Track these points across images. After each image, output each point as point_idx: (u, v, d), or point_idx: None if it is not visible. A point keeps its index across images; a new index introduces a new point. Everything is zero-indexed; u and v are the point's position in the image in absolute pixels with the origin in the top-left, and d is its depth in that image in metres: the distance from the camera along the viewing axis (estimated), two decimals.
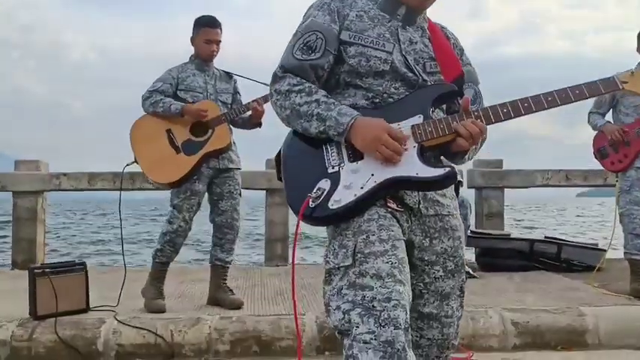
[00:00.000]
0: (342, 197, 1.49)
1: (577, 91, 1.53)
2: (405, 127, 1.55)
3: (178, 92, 3.73)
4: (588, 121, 4.31)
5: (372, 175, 1.50)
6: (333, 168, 1.54)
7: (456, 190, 4.76)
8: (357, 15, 1.64)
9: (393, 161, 1.49)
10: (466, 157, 1.67)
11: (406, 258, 1.49)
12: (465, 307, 3.85)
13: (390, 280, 1.39)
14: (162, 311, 3.53)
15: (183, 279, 4.67)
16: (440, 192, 1.65)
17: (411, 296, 1.45)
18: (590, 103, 4.27)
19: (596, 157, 4.29)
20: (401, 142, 1.50)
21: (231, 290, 3.79)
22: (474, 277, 4.80)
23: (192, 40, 3.79)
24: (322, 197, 1.49)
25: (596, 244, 5.22)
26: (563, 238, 5.47)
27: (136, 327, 3.28)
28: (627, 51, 4.14)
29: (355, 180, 1.50)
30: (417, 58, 1.65)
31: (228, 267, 3.86)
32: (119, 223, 3.93)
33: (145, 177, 3.77)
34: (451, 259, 1.65)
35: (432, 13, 1.73)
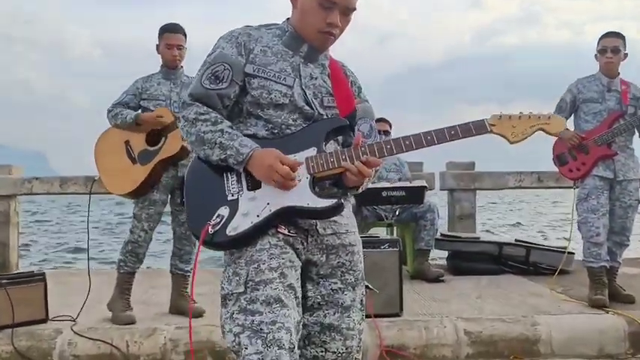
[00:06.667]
0: (239, 225, 1.62)
1: (452, 132, 1.67)
2: (300, 158, 1.68)
3: (141, 102, 3.75)
4: None
5: (268, 203, 1.64)
6: (232, 195, 1.67)
7: (422, 196, 4.79)
8: (261, 50, 1.75)
9: (286, 188, 1.62)
10: (359, 189, 1.80)
11: (295, 282, 1.64)
12: (421, 315, 3.86)
13: (278, 305, 1.55)
14: (133, 322, 3.55)
15: (150, 284, 4.69)
16: None
17: (298, 319, 1.60)
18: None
19: (555, 164, 4.26)
20: (293, 169, 1.62)
21: (193, 300, 3.81)
22: (442, 281, 4.84)
23: (157, 48, 3.83)
24: (221, 224, 1.63)
25: (565, 247, 5.25)
26: (533, 241, 5.49)
27: (92, 338, 3.32)
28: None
29: (252, 208, 1.64)
30: (316, 92, 1.78)
31: (188, 275, 3.89)
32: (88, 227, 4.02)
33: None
34: (350, 272, 1.79)
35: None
